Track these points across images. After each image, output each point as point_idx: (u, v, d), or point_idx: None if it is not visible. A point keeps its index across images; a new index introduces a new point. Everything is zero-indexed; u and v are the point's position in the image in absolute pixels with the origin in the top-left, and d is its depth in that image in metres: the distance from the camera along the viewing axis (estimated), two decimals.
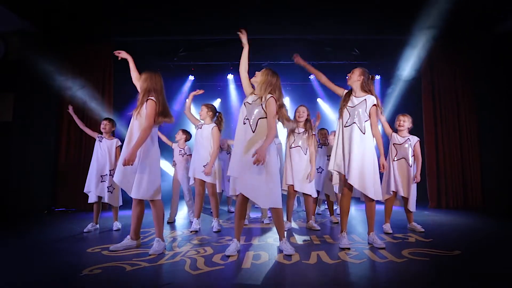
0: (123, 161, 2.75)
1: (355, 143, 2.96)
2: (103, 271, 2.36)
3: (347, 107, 3.08)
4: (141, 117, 2.91)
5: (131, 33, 6.19)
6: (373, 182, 2.95)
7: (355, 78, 3.11)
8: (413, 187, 3.78)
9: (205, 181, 3.94)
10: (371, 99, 3.05)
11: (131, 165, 2.76)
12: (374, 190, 2.95)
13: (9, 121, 5.77)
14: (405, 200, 3.84)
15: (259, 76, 2.90)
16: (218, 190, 4.39)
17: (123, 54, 3.41)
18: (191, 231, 3.82)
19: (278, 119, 2.84)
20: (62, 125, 6.05)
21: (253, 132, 2.76)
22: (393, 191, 3.75)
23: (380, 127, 3.48)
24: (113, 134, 4.21)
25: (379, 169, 3.04)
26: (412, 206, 3.78)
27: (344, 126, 3.06)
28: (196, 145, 3.99)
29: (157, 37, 6.49)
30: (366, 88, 3.09)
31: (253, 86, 3.00)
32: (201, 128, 4.03)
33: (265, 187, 2.71)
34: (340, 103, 3.16)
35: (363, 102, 3.04)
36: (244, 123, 2.81)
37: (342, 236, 3.02)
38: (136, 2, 5.76)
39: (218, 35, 6.68)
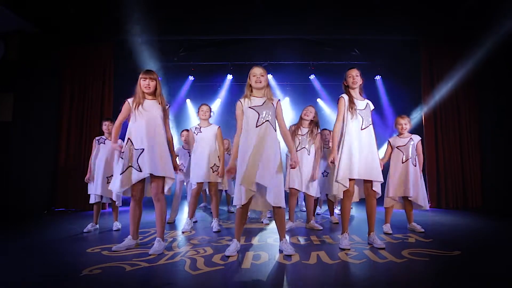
0: (175, 169, 3.06)
1: (372, 145, 3.03)
2: (103, 271, 2.36)
3: (357, 110, 3.06)
4: (166, 118, 3.06)
5: (131, 33, 6.19)
6: (378, 169, 3.05)
7: (360, 80, 3.11)
8: (422, 185, 3.77)
9: (202, 183, 3.96)
10: (370, 103, 3.17)
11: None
12: (380, 188, 3.05)
13: (9, 121, 5.77)
14: (407, 202, 3.83)
15: (265, 77, 2.89)
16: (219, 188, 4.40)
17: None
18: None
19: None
20: (62, 125, 6.05)
21: (275, 131, 2.85)
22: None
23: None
24: None
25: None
26: (425, 203, 3.76)
27: (361, 129, 3.04)
28: (199, 148, 3.96)
29: (157, 37, 6.49)
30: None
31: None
32: (200, 131, 4.00)
33: (281, 186, 2.78)
34: (346, 106, 3.07)
35: (368, 106, 3.11)
36: (259, 125, 2.78)
37: (344, 237, 3.02)
38: (136, 2, 5.77)
39: (218, 35, 6.68)
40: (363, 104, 3.10)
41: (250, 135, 2.78)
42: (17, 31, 5.79)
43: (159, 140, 2.94)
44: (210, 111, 4.09)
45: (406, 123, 3.85)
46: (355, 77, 3.08)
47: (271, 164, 2.73)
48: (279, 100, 2.94)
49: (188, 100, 9.37)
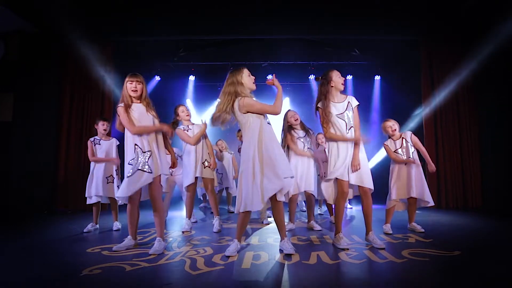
0: (173, 165, 3.32)
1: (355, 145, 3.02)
2: (103, 271, 2.36)
3: (337, 116, 3.03)
4: (157, 119, 3.10)
5: (131, 33, 6.20)
6: (368, 174, 3.03)
7: (341, 80, 3.09)
8: (424, 182, 3.74)
9: (196, 179, 3.96)
10: (353, 100, 3.09)
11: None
12: (371, 181, 3.03)
13: (9, 121, 5.77)
14: (411, 202, 3.80)
15: None
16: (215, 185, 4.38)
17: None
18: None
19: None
20: (62, 125, 6.05)
21: None
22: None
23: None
24: (108, 133, 4.23)
25: (353, 168, 2.99)
26: (429, 198, 3.70)
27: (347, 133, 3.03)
28: (190, 148, 3.96)
29: (157, 37, 6.49)
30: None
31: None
32: (189, 128, 4.02)
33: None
34: (323, 115, 3.04)
35: (349, 105, 3.06)
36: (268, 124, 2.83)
37: (339, 237, 3.02)
38: (136, 2, 5.77)
39: (218, 35, 6.68)
40: (342, 105, 3.05)
41: (254, 141, 2.72)
42: (17, 31, 5.79)
43: (159, 141, 3.04)
44: (188, 110, 4.16)
45: (393, 124, 3.82)
46: (338, 80, 3.07)
47: (277, 166, 2.71)
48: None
49: (188, 100, 9.38)
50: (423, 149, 3.82)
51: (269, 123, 2.83)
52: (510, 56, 5.65)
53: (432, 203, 3.73)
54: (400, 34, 6.31)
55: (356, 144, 3.01)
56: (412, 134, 3.83)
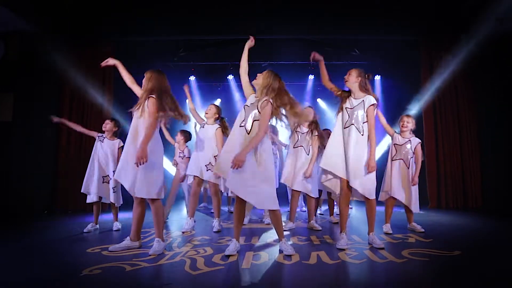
0: (137, 159, 2.68)
1: (351, 145, 2.99)
2: (103, 271, 2.36)
3: (345, 108, 3.09)
4: (145, 115, 2.88)
5: (131, 33, 6.19)
6: (371, 182, 2.98)
7: (353, 79, 3.10)
8: (414, 189, 3.76)
9: (202, 181, 3.97)
10: (369, 99, 3.05)
11: (145, 162, 2.71)
12: (371, 190, 2.99)
13: (9, 121, 5.77)
14: (400, 202, 3.84)
15: (260, 79, 2.88)
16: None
17: (110, 62, 3.27)
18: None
19: (282, 116, 2.83)
20: (61, 125, 6.04)
21: (248, 133, 2.76)
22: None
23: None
24: (115, 134, 4.19)
25: (368, 169, 2.96)
26: (414, 207, 3.75)
27: (344, 128, 3.07)
28: (199, 144, 3.99)
29: (157, 37, 6.49)
30: (364, 89, 3.10)
31: (254, 89, 3.00)
32: (203, 127, 4.04)
33: (259, 188, 2.68)
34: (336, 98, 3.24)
35: (361, 103, 3.05)
36: (241, 126, 2.81)
37: (341, 236, 3.03)
38: (136, 2, 5.77)
39: (218, 35, 6.68)
40: (357, 101, 3.08)
41: (233, 133, 2.85)
42: (17, 31, 5.78)
43: (133, 141, 2.86)
44: (215, 110, 4.11)
45: (408, 121, 3.84)
46: (345, 77, 3.16)
47: (243, 171, 2.63)
48: (266, 100, 2.73)
49: (188, 101, 9.36)
50: (418, 162, 3.81)
51: (242, 127, 2.83)
52: (509, 54, 5.64)
53: (416, 211, 3.81)
54: (400, 34, 6.31)
55: (371, 145, 2.99)
56: (419, 144, 3.84)
